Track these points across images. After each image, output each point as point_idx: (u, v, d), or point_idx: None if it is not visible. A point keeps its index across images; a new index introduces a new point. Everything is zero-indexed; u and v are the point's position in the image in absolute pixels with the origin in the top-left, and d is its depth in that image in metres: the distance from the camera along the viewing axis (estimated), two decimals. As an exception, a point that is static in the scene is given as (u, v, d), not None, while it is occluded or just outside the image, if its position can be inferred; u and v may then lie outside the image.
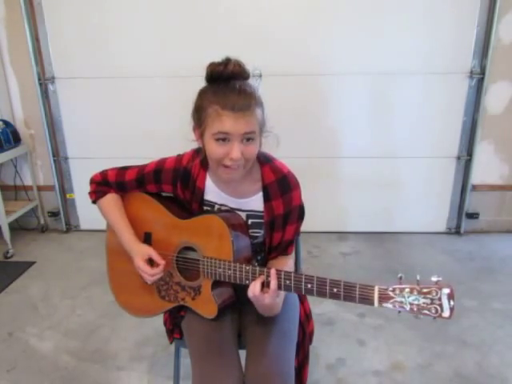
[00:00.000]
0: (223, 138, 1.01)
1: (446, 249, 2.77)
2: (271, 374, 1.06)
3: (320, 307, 2.16)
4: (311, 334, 1.35)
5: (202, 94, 1.06)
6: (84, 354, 1.89)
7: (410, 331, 1.98)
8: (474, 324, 2.03)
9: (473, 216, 2.92)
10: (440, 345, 1.89)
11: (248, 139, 1.02)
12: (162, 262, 1.17)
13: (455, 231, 2.98)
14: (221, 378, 1.06)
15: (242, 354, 1.17)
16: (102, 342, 1.97)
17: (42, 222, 3.14)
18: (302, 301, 1.33)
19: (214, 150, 1.03)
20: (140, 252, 1.19)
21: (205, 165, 1.17)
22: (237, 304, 1.22)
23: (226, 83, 1.02)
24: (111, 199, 1.26)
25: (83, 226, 3.14)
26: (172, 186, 1.20)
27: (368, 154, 2.83)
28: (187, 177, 1.18)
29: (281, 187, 1.14)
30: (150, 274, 1.16)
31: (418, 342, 1.91)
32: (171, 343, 1.37)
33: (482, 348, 1.87)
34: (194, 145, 1.18)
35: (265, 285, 1.04)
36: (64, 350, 1.92)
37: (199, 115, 1.05)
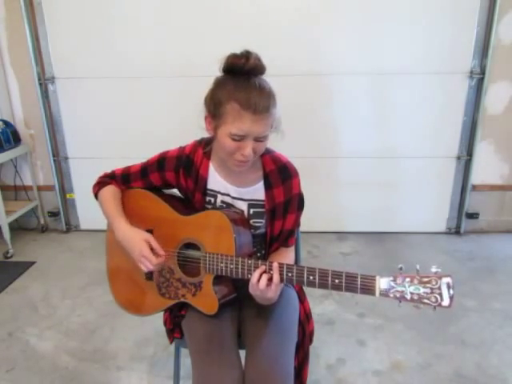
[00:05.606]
0: (239, 139, 1.03)
1: (445, 249, 2.77)
2: (270, 372, 1.06)
3: (320, 307, 2.16)
4: (311, 333, 1.35)
5: (220, 85, 1.06)
6: (84, 354, 1.89)
7: (410, 331, 1.98)
8: (473, 324, 2.03)
9: (473, 216, 2.92)
10: (440, 345, 1.89)
11: (261, 138, 1.05)
12: (162, 253, 1.16)
13: (455, 231, 2.98)
14: (221, 378, 1.06)
15: (242, 353, 1.16)
16: (102, 341, 1.97)
17: (42, 222, 3.14)
18: (302, 300, 1.33)
19: (228, 145, 1.04)
20: (141, 237, 1.16)
21: (207, 154, 1.18)
22: (237, 300, 1.22)
23: (247, 79, 1.02)
24: (110, 190, 1.27)
25: (83, 226, 3.14)
26: (175, 173, 1.21)
27: (368, 154, 2.83)
28: (190, 165, 1.19)
29: (281, 175, 1.16)
30: (154, 264, 1.15)
31: (417, 341, 1.91)
32: (171, 343, 1.37)
33: (481, 348, 1.87)
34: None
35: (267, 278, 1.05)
36: (64, 350, 1.92)
37: (216, 108, 1.04)
